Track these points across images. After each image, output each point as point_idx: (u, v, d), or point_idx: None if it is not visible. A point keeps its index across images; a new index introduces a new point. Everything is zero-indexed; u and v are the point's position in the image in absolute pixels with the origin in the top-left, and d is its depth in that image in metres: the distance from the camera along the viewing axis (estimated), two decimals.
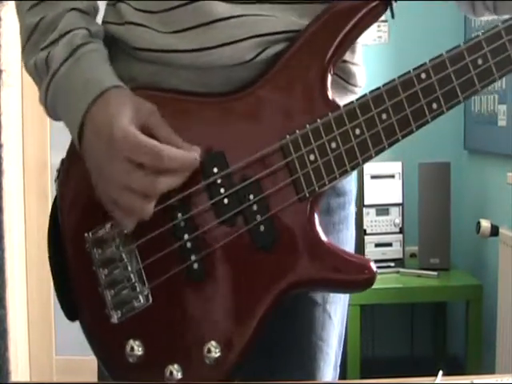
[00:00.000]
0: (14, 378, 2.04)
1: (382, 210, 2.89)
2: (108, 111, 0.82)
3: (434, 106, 0.86)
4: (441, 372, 0.97)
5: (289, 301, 0.87)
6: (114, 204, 0.83)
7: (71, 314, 0.90)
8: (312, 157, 0.85)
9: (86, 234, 0.87)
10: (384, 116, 0.85)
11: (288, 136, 0.85)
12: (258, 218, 0.85)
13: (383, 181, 2.89)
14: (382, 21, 3.06)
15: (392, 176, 2.90)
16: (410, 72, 0.86)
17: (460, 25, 3.05)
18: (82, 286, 0.89)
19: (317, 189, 0.85)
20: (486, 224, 2.52)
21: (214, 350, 0.84)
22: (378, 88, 0.86)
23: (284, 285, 0.85)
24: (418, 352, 3.21)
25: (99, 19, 0.95)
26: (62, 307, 0.90)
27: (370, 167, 2.87)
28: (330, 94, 0.87)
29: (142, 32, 0.88)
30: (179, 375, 0.84)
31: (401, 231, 2.90)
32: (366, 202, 2.88)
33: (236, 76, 0.87)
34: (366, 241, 2.87)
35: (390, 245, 2.89)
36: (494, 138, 2.77)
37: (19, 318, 2.85)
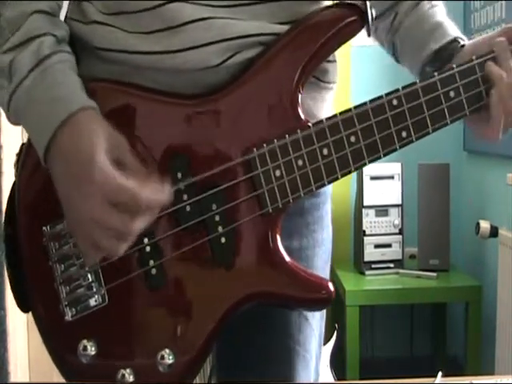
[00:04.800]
0: (13, 378, 2.04)
1: (382, 211, 2.89)
2: (80, 141, 0.77)
3: (404, 134, 0.86)
4: (440, 373, 0.98)
5: (264, 307, 0.86)
6: (84, 236, 0.79)
7: (24, 306, 0.88)
8: (278, 173, 0.84)
9: (44, 228, 0.84)
10: (353, 139, 0.85)
11: (255, 150, 0.84)
12: (220, 229, 0.84)
13: (383, 182, 2.89)
14: None
15: (391, 177, 2.90)
16: (382, 97, 0.86)
17: (459, 26, 3.05)
18: (37, 280, 0.86)
19: (280, 205, 0.85)
20: (485, 225, 2.52)
21: (167, 357, 0.84)
22: (349, 110, 0.85)
23: (239, 297, 0.84)
24: (417, 353, 3.22)
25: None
26: (15, 297, 0.88)
27: (369, 168, 2.87)
28: (300, 111, 0.85)
29: (107, 32, 0.85)
30: (131, 379, 0.84)
31: (400, 232, 2.90)
32: (365, 203, 2.88)
33: (203, 80, 0.84)
34: (365, 242, 2.87)
35: (389, 246, 2.89)
36: None
37: (19, 318, 2.85)
